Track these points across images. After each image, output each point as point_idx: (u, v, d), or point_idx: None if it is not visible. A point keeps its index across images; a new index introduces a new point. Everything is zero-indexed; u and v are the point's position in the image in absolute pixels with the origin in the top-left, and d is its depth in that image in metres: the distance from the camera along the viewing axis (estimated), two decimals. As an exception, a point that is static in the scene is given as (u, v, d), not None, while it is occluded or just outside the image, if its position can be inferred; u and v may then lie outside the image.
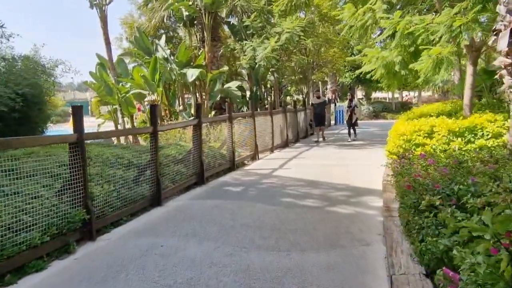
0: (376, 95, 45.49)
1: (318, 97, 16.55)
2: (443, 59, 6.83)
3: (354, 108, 15.49)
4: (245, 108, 20.46)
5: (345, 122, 15.89)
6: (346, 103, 16.56)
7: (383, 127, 23.43)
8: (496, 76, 9.89)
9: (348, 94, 16.38)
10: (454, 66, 6.86)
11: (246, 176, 9.73)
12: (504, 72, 5.63)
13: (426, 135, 6.89)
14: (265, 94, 23.41)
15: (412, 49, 7.55)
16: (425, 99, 47.81)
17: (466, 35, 6.56)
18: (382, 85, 33.27)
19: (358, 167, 10.27)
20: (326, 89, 36.90)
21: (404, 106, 35.47)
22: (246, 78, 22.37)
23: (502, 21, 5.50)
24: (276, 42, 13.80)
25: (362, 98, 36.84)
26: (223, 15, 21.21)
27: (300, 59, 15.88)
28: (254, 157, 12.19)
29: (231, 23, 18.85)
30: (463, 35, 6.51)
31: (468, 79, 8.52)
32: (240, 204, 6.96)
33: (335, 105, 28.76)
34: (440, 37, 6.93)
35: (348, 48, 24.96)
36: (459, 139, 6.45)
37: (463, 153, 6.38)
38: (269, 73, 17.74)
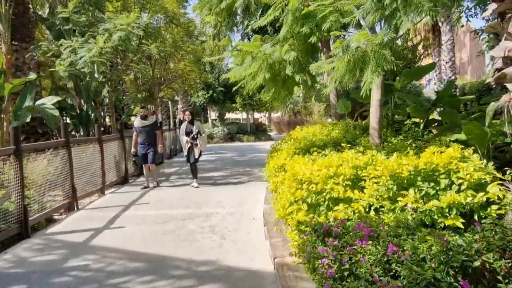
0: (229, 115, 43.90)
1: (145, 117, 10.51)
2: (367, 55, 4.14)
3: (197, 137, 10.05)
4: (81, 132, 15.96)
5: (186, 154, 10.29)
6: (183, 126, 10.48)
7: (241, 152, 21.05)
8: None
9: (187, 112, 10.63)
10: (389, 65, 4.08)
11: (43, 251, 5.74)
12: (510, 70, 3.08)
13: (349, 183, 4.05)
14: (103, 113, 19.05)
15: (314, 39, 4.76)
16: (276, 119, 48.02)
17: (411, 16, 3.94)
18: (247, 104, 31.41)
19: (226, 219, 7.10)
20: (177, 109, 33.61)
21: (259, 128, 34.16)
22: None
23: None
24: (106, 42, 9.99)
25: (215, 119, 34.46)
26: (45, 15, 16.52)
27: (142, 69, 12.28)
28: (71, 207, 8.14)
29: (50, 20, 14.32)
30: (401, 15, 3.89)
31: (375, 93, 6.08)
32: None
33: (188, 127, 25.57)
34: (359, 21, 4.27)
35: (203, 63, 22.14)
36: (411, 190, 3.74)
37: (423, 217, 3.63)
38: (105, 88, 13.66)
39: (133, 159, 11.40)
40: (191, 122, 10.32)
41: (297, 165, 4.78)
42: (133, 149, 10.69)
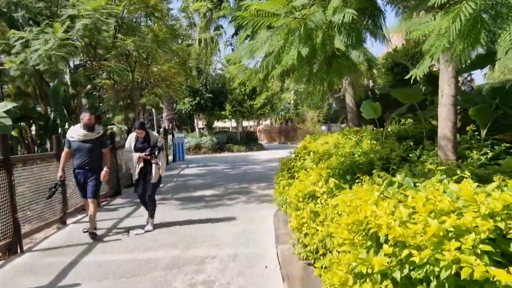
0: (217, 124, 41.83)
1: (89, 128, 6.69)
2: (503, 3, 2.20)
3: (158, 152, 6.85)
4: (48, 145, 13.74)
5: (136, 178, 7.02)
6: (130, 139, 7.08)
7: (233, 164, 18.92)
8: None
9: (135, 125, 7.20)
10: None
11: None
12: None
13: (487, 248, 2.05)
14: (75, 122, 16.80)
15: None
16: (267, 127, 45.99)
17: None
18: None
19: (228, 267, 4.99)
20: (162, 117, 31.42)
21: (249, 136, 32.11)
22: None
23: None
24: (66, 31, 7.88)
25: (203, 128, 32.33)
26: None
27: (116, 69, 10.16)
28: (12, 248, 5.98)
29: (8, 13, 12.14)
30: None
31: (447, 87, 4.11)
32: None
33: (173, 136, 23.43)
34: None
35: (189, 68, 20.03)
36: None
37: None
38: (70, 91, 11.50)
39: (52, 189, 6.61)
40: (145, 137, 6.98)
41: (360, 202, 2.74)
42: (60, 173, 6.65)
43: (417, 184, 3.06)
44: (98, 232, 6.82)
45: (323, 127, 37.80)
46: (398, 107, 10.01)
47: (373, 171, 4.24)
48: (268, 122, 49.06)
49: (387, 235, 2.37)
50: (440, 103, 4.21)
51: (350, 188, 4.08)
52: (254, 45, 3.34)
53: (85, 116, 6.71)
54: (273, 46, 3.26)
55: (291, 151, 8.00)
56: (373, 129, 8.23)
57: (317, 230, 3.98)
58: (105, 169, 6.84)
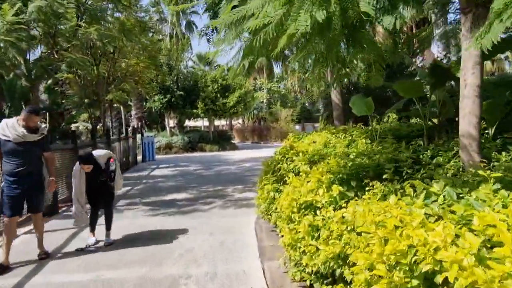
0: (188, 123, 40.73)
1: (33, 129, 5.12)
2: None
3: (114, 176, 6.08)
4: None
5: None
6: (79, 171, 5.81)
7: (206, 164, 18.02)
8: None
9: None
10: None
11: None
12: None
13: None
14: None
15: None
16: (239, 127, 45.19)
17: None
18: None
19: (206, 292, 4.20)
20: (131, 115, 30.16)
21: (222, 136, 31.21)
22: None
23: None
24: (18, 14, 6.88)
25: (174, 127, 31.23)
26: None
27: (78, 60, 9.13)
28: None
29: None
30: None
31: (470, 76, 3.46)
32: None
33: (142, 135, 22.35)
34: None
35: (160, 62, 19.03)
36: None
37: None
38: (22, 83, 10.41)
39: None
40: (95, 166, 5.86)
41: (395, 221, 2.01)
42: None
43: (461, 195, 2.35)
44: (54, 246, 5.88)
45: (297, 126, 37.38)
46: (383, 103, 9.43)
47: (384, 176, 3.55)
48: (240, 120, 48.30)
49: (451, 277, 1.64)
50: (463, 95, 3.55)
51: (358, 196, 3.38)
52: (248, 10, 2.53)
53: (29, 117, 5.10)
54: (269, 17, 2.48)
55: (275, 151, 7.26)
56: (361, 127, 7.60)
57: (318, 248, 3.24)
58: (51, 178, 5.56)
